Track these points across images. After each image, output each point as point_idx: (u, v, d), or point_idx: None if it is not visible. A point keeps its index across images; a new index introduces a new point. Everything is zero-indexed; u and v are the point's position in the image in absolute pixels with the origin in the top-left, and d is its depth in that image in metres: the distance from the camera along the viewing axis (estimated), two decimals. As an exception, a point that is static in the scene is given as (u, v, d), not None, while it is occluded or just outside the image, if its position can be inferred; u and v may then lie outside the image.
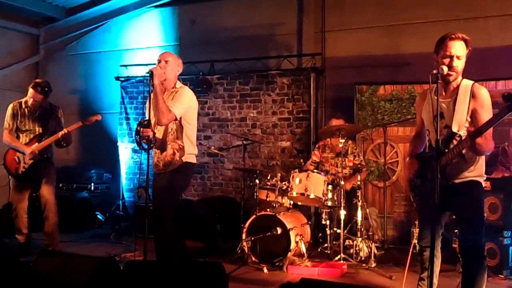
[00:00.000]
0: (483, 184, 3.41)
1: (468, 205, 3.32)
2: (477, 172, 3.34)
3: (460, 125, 3.27)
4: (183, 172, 4.21)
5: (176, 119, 4.10)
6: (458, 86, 3.34)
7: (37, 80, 5.63)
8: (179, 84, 4.32)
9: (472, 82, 3.34)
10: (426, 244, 3.52)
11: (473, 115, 3.26)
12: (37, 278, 3.22)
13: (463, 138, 3.22)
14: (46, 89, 5.51)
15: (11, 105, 5.57)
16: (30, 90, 5.46)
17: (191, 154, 4.24)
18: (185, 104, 4.17)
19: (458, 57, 3.26)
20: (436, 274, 3.56)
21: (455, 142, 3.25)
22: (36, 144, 5.46)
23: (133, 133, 7.81)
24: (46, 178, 5.52)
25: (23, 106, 5.54)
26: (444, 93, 3.39)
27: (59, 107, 5.77)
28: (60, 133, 5.39)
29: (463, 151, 3.17)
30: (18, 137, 5.55)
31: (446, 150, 3.22)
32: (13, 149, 5.50)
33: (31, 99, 5.47)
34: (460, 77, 3.37)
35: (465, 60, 3.34)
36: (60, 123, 5.67)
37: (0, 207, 7.04)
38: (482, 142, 3.07)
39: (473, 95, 3.27)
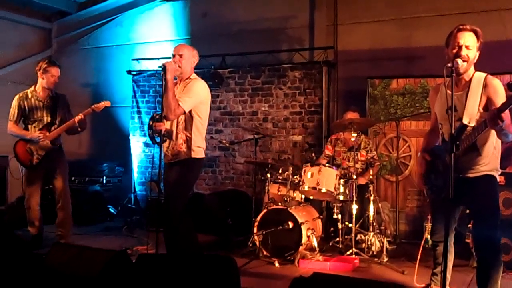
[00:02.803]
0: (498, 178, 3.37)
1: (482, 199, 3.29)
2: (491, 166, 3.31)
3: (471, 118, 3.23)
4: (192, 167, 4.23)
5: (185, 113, 4.10)
6: (470, 79, 3.31)
7: (47, 59, 5.75)
8: (194, 75, 4.32)
9: (485, 74, 3.31)
10: (439, 239, 3.50)
11: (488, 104, 3.21)
12: (49, 270, 3.24)
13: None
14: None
15: (17, 96, 5.48)
16: (53, 69, 5.44)
17: (199, 148, 4.23)
18: (195, 96, 4.16)
19: (467, 47, 3.24)
20: (449, 269, 3.54)
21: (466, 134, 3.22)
22: (47, 133, 5.39)
23: (145, 127, 7.90)
24: (59, 169, 5.50)
25: (30, 96, 5.46)
26: (456, 86, 3.35)
27: (65, 95, 5.74)
28: (77, 118, 5.33)
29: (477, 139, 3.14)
30: (27, 128, 5.47)
31: (458, 142, 3.18)
32: (22, 139, 5.44)
33: (47, 81, 5.42)
34: (472, 70, 3.34)
35: (478, 53, 3.31)
36: (69, 110, 5.64)
37: (13, 200, 7.11)
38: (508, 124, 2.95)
39: (485, 86, 3.24)
